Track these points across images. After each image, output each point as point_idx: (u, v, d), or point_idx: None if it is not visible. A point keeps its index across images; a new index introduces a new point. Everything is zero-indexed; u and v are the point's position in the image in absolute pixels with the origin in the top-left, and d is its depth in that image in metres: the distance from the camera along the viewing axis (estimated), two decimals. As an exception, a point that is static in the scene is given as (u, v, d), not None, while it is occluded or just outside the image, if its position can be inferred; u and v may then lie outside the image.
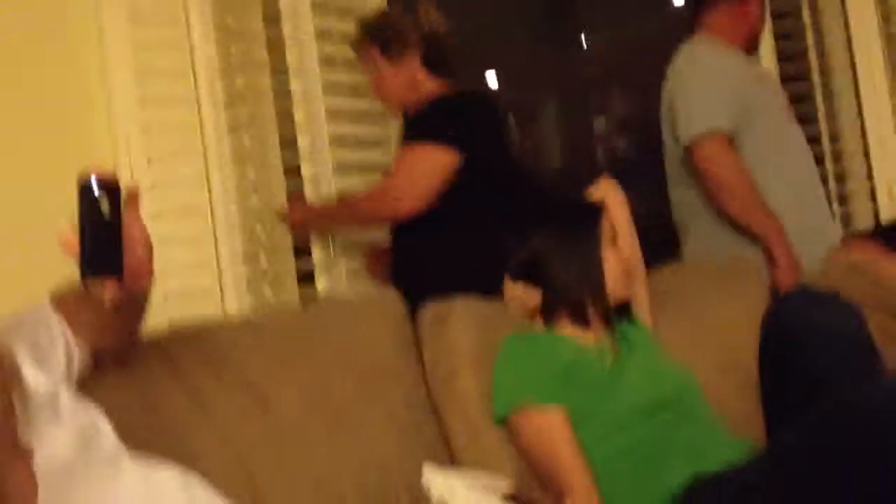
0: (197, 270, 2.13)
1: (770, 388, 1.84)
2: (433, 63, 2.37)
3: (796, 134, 2.56)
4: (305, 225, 2.36)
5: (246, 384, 1.48)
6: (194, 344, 1.51)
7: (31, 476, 0.74)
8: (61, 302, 1.29)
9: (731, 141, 2.36)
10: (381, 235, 2.45)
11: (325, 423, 1.52)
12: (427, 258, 2.24)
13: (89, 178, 1.10)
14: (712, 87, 2.38)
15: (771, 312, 1.92)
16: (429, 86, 2.34)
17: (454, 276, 1.98)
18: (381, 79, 2.37)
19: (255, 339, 1.56)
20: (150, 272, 1.20)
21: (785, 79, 3.03)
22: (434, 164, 2.18)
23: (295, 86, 2.40)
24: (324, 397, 1.55)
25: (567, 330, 1.72)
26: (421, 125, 2.25)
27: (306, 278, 2.42)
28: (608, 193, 1.85)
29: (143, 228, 1.18)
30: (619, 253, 1.75)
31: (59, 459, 1.02)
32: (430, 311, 1.78)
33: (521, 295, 1.76)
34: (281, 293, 2.31)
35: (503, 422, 1.63)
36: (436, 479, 1.43)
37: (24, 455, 0.74)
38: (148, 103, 2.07)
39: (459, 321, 1.74)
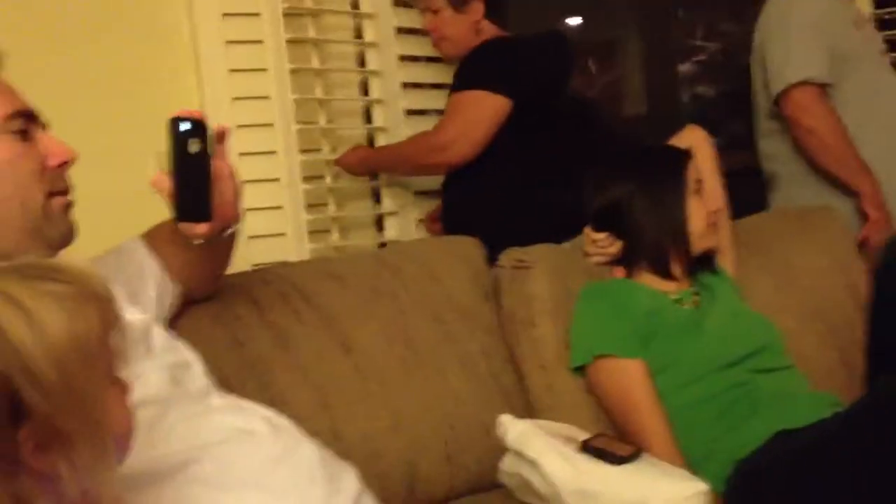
0: (269, 214, 2.15)
1: (880, 340, 1.77)
2: (495, 11, 2.33)
3: (892, 81, 2.46)
4: (354, 168, 2.34)
5: (327, 323, 1.51)
6: (277, 284, 1.54)
7: (130, 409, 0.77)
8: (153, 240, 1.32)
9: (823, 90, 2.29)
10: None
11: (403, 363, 1.54)
12: (478, 207, 2.21)
13: (178, 118, 1.12)
14: (805, 35, 2.30)
15: (884, 263, 1.85)
16: (490, 33, 2.30)
17: (506, 226, 1.97)
18: (444, 25, 2.33)
19: (335, 280, 1.59)
20: (238, 211, 1.22)
21: (881, 23, 2.91)
22: (483, 111, 2.15)
23: (368, 31, 2.41)
24: (403, 338, 1.57)
25: (647, 279, 1.71)
26: (470, 71, 2.22)
27: (376, 225, 2.44)
28: (695, 142, 1.81)
29: (231, 168, 1.20)
30: (703, 203, 1.72)
31: (150, 395, 1.05)
32: (509, 257, 1.78)
33: (602, 243, 1.74)
34: (350, 240, 2.34)
35: (581, 370, 1.63)
36: (511, 426, 1.44)
37: (123, 388, 0.77)
38: (230, 45, 2.10)
39: (538, 268, 1.73)
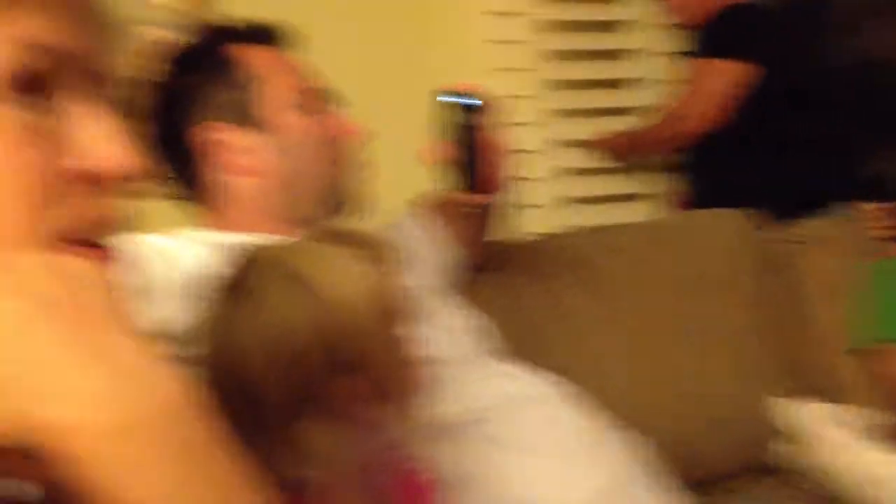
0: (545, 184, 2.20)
1: None
2: None
3: None
4: (613, 151, 2.34)
5: (602, 294, 1.52)
6: (554, 252, 1.56)
7: (420, 365, 0.82)
8: (428, 209, 1.38)
9: None
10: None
11: (673, 338, 1.52)
12: (724, 180, 2.12)
13: (451, 91, 1.15)
14: None
15: None
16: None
17: (753, 200, 1.87)
18: None
19: (611, 251, 1.58)
20: (507, 181, 1.24)
21: None
22: (722, 81, 2.07)
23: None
24: (673, 313, 1.54)
25: None
26: (710, 38, 2.13)
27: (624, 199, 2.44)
28: None
29: (501, 139, 1.22)
30: None
31: (434, 356, 1.10)
32: (782, 230, 1.70)
33: (886, 219, 1.63)
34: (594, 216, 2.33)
35: (860, 353, 1.54)
36: (788, 408, 1.38)
37: (412, 346, 0.81)
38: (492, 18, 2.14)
39: (814, 242, 1.67)
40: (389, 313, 0.77)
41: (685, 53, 2.26)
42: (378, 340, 0.75)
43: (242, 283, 0.76)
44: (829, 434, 1.32)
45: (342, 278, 0.74)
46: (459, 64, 2.15)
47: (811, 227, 1.71)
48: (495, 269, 1.48)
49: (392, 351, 0.77)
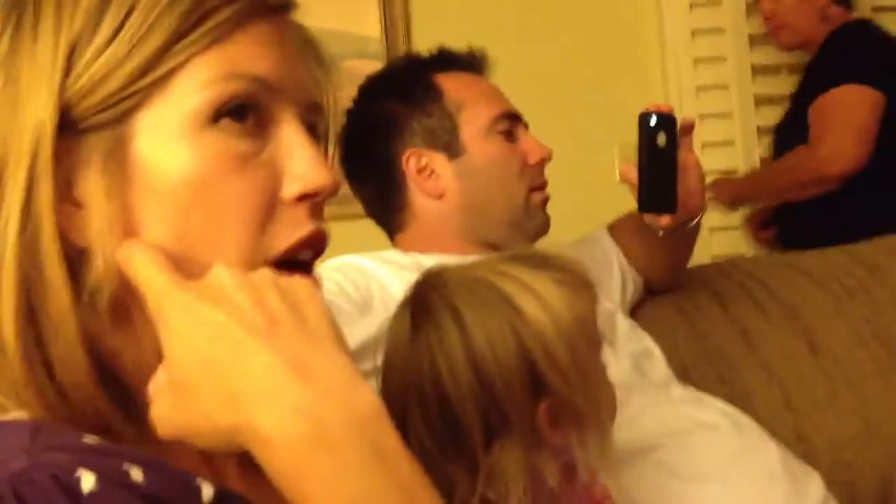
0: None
1: None
2: None
3: None
4: (738, 202, 2.11)
5: (792, 320, 1.45)
6: (739, 277, 1.51)
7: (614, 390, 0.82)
8: (618, 231, 1.37)
9: None
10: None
11: (877, 366, 1.43)
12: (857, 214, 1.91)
13: (649, 113, 1.15)
14: None
15: None
16: (840, 20, 2.00)
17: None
18: (786, 10, 2.06)
19: (802, 275, 1.52)
20: (702, 204, 1.23)
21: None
22: (863, 109, 1.87)
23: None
24: (877, 339, 1.45)
25: None
26: (835, 64, 1.94)
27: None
28: None
29: (696, 161, 1.20)
30: None
31: (615, 381, 1.09)
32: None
33: None
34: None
35: None
36: None
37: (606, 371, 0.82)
38: (697, 37, 2.10)
39: None
40: (590, 339, 0.77)
41: (804, 81, 2.06)
42: (579, 366, 0.74)
43: (441, 303, 0.76)
44: None
45: (546, 302, 0.74)
46: (665, 82, 2.13)
47: None
48: (681, 292, 1.45)
49: (592, 377, 0.76)
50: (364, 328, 0.90)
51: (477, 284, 0.76)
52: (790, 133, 2.03)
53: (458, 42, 1.26)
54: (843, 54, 1.98)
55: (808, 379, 1.40)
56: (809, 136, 1.95)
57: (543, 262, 0.78)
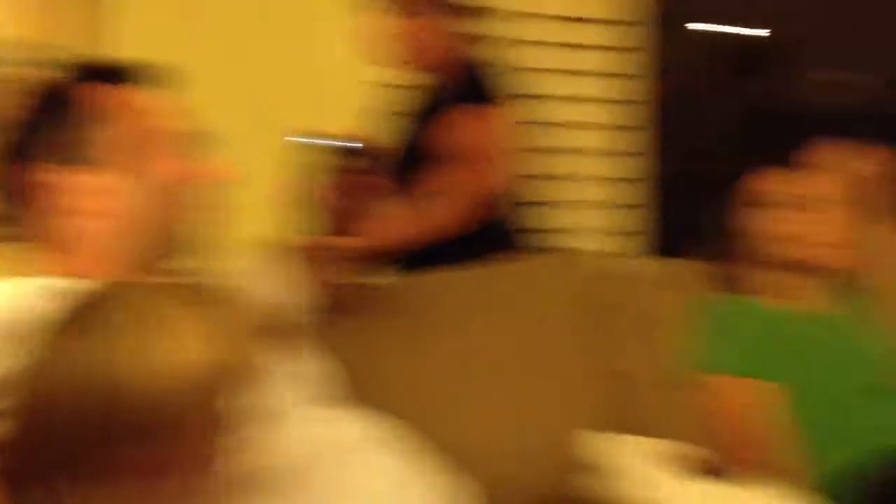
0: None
1: None
2: None
3: None
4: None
5: (421, 335, 1.56)
6: (378, 298, 1.56)
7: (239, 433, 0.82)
8: (300, 251, 1.35)
9: None
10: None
11: (495, 373, 1.57)
12: None
13: (344, 139, 1.18)
14: None
15: None
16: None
17: None
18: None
19: (431, 294, 1.62)
20: (393, 233, 1.29)
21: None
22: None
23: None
24: (497, 349, 1.60)
25: (782, 295, 1.60)
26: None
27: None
28: None
29: (387, 187, 1.24)
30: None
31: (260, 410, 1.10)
32: (612, 271, 1.78)
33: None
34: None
35: (690, 386, 1.55)
36: (605, 447, 1.41)
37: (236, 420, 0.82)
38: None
39: (644, 281, 1.73)
40: (211, 386, 0.72)
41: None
42: (186, 414, 0.70)
43: (69, 326, 0.72)
44: (639, 468, 1.34)
45: (175, 342, 0.70)
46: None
47: (634, 265, 1.76)
48: (352, 312, 1.48)
49: (200, 425, 0.72)
50: None
51: (100, 309, 0.72)
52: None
53: (154, 56, 1.18)
54: None
55: (432, 390, 1.51)
56: None
57: (190, 297, 0.75)
